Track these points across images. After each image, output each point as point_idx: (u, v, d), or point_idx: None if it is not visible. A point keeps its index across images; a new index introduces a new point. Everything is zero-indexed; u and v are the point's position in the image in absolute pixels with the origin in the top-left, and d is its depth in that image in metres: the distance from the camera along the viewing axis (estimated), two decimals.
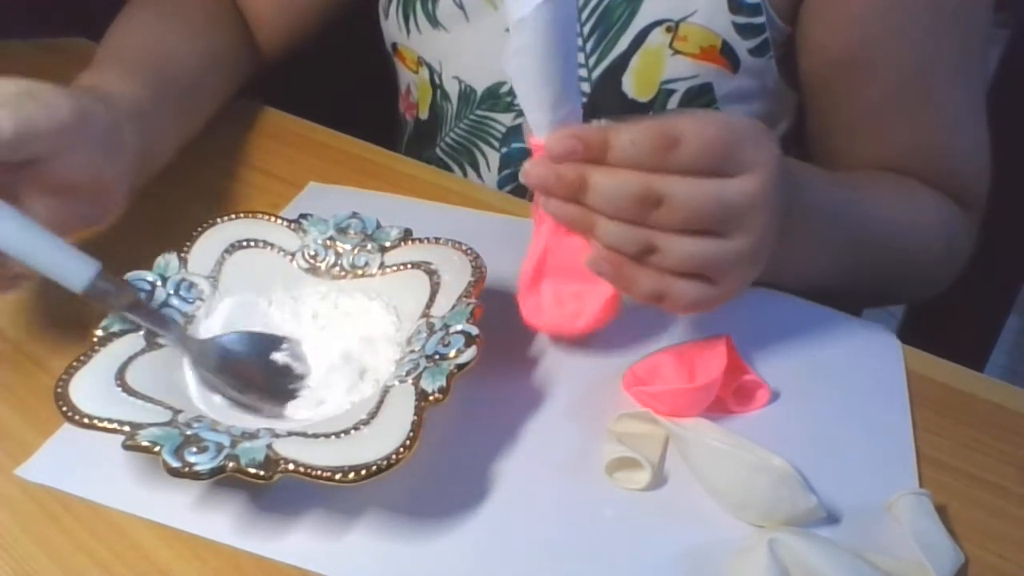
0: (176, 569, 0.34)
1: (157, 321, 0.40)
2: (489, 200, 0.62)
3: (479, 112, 0.65)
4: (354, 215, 0.47)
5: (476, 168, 0.68)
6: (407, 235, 0.47)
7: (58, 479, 0.37)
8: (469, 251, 0.45)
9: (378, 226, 0.47)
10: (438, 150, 0.71)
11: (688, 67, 0.56)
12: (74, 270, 0.37)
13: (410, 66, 0.69)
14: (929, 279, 0.61)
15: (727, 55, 0.55)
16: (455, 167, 0.70)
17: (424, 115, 0.71)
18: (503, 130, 0.65)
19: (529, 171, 0.37)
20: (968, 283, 0.64)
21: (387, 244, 0.46)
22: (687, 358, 0.43)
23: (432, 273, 0.44)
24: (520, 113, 0.63)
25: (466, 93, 0.65)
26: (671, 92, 0.57)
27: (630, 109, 0.58)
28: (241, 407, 0.40)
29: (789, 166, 0.42)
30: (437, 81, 0.67)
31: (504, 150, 0.66)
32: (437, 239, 0.46)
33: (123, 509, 0.36)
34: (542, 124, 0.38)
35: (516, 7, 0.35)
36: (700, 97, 0.57)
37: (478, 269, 0.43)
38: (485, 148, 0.67)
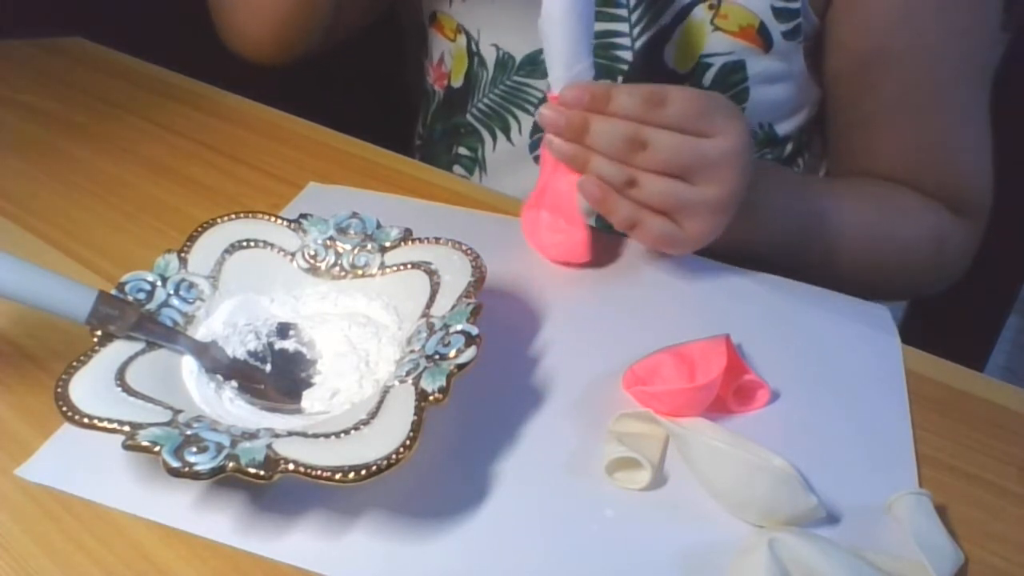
0: (176, 569, 0.34)
1: (165, 335, 0.40)
2: (489, 200, 0.62)
3: (516, 78, 0.67)
4: (354, 215, 0.47)
5: (507, 132, 0.69)
6: (407, 235, 0.47)
7: (58, 479, 0.37)
8: (469, 251, 0.45)
9: (378, 226, 0.47)
10: (469, 116, 0.72)
11: (726, 43, 0.60)
12: (73, 302, 0.37)
13: (447, 34, 0.71)
14: (914, 282, 0.64)
15: (763, 35, 0.59)
16: (485, 132, 0.71)
17: (457, 83, 0.72)
18: (539, 96, 0.67)
19: (543, 113, 0.47)
20: (968, 283, 0.64)
21: (387, 244, 0.46)
22: (687, 358, 0.43)
23: (432, 273, 0.44)
24: None
25: (503, 60, 0.67)
26: (708, 66, 0.60)
27: (669, 79, 0.61)
28: (259, 406, 0.40)
29: (758, 162, 0.50)
30: (474, 48, 0.68)
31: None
32: (437, 239, 0.46)
33: (123, 509, 0.36)
34: (560, 78, 0.48)
35: None
36: (733, 74, 0.61)
37: (478, 269, 0.43)
38: (519, 113, 0.68)
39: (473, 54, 0.69)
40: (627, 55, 0.61)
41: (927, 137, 0.60)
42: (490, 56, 0.68)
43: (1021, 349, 1.58)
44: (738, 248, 0.52)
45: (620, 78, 0.62)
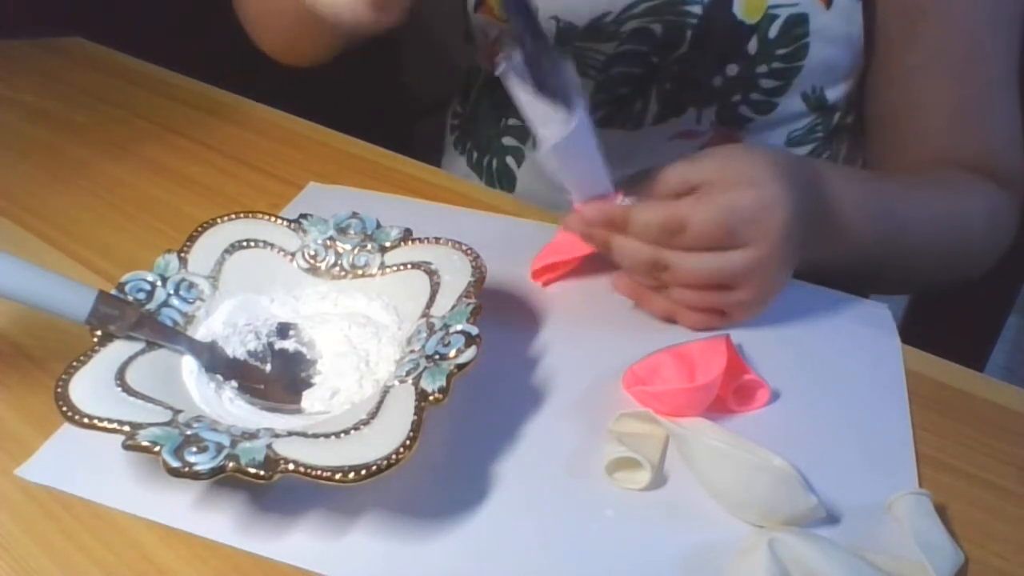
0: (176, 569, 0.34)
1: (164, 335, 0.40)
2: (490, 200, 0.62)
3: (577, 44, 0.66)
4: (354, 215, 0.47)
5: None
6: (407, 235, 0.47)
7: (58, 479, 0.37)
8: (469, 251, 0.45)
9: (378, 226, 0.47)
10: None
11: None
12: (73, 302, 0.37)
13: (499, 16, 0.70)
14: (972, 264, 0.64)
15: None
16: None
17: None
18: (603, 59, 0.66)
19: (569, 224, 0.48)
20: (968, 283, 0.64)
21: (387, 244, 0.46)
22: (687, 358, 0.43)
23: (432, 273, 0.44)
24: (622, 42, 0.64)
25: (565, 30, 0.67)
26: (775, 17, 0.61)
27: (738, 31, 0.62)
28: (259, 406, 0.40)
29: (829, 173, 0.50)
30: None
31: (601, 77, 0.67)
32: (437, 239, 0.46)
33: (123, 509, 0.36)
34: (578, 202, 0.47)
35: (541, 140, 0.44)
36: (797, 27, 0.61)
37: (478, 269, 0.43)
38: (580, 77, 0.68)
39: None
40: (697, 9, 0.62)
41: (968, 91, 0.61)
42: (550, 29, 0.67)
43: (1021, 349, 1.57)
44: (814, 264, 0.51)
45: (689, 32, 0.62)
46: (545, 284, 0.53)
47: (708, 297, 0.47)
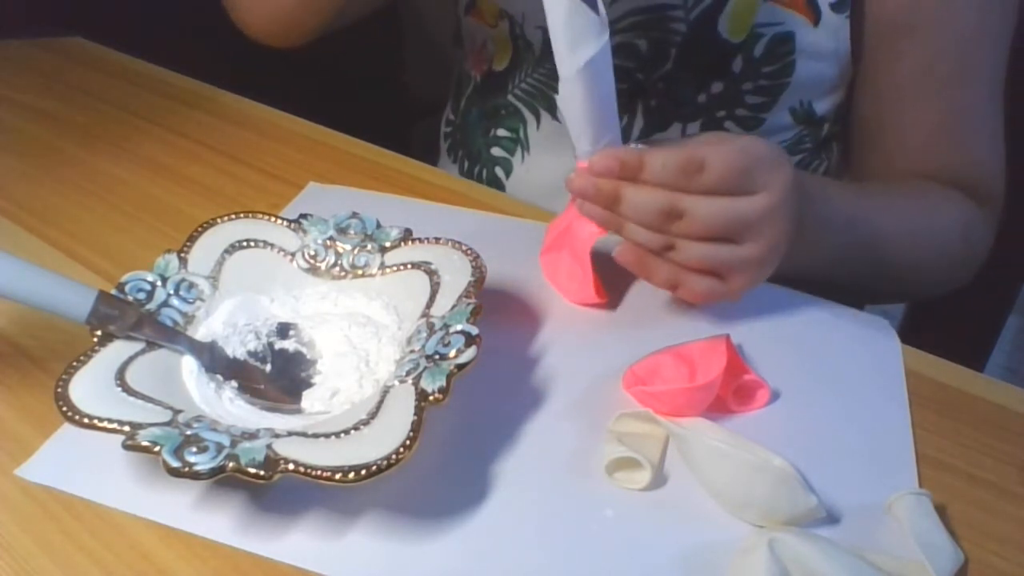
0: (176, 569, 0.34)
1: (164, 335, 0.40)
2: (490, 200, 0.62)
3: None
4: (354, 215, 0.47)
5: (552, 110, 0.69)
6: (407, 235, 0.47)
7: (58, 479, 0.37)
8: (469, 251, 0.45)
9: (378, 226, 0.47)
10: (510, 96, 0.71)
11: (777, 14, 0.60)
12: (73, 302, 0.37)
13: (488, 21, 0.71)
14: (946, 279, 0.64)
15: (811, 6, 0.60)
16: (527, 111, 0.71)
17: (500, 67, 0.72)
18: None
19: (572, 180, 0.45)
20: (968, 283, 0.64)
21: (387, 244, 0.46)
22: (687, 358, 0.43)
23: (432, 273, 0.44)
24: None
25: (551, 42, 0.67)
26: (760, 36, 0.61)
27: (723, 49, 0.62)
28: (259, 406, 0.40)
29: (804, 180, 0.48)
30: (518, 32, 0.68)
31: None
32: (437, 239, 0.46)
33: (123, 509, 0.36)
34: (587, 152, 0.46)
35: (561, 68, 0.44)
36: (782, 45, 0.61)
37: (478, 269, 0.43)
38: None
39: (517, 38, 0.69)
40: (682, 27, 0.61)
41: (952, 108, 0.61)
42: (536, 38, 0.67)
43: (1021, 349, 1.57)
44: (792, 270, 0.51)
45: (673, 50, 0.62)
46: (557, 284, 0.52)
47: (715, 251, 0.45)
